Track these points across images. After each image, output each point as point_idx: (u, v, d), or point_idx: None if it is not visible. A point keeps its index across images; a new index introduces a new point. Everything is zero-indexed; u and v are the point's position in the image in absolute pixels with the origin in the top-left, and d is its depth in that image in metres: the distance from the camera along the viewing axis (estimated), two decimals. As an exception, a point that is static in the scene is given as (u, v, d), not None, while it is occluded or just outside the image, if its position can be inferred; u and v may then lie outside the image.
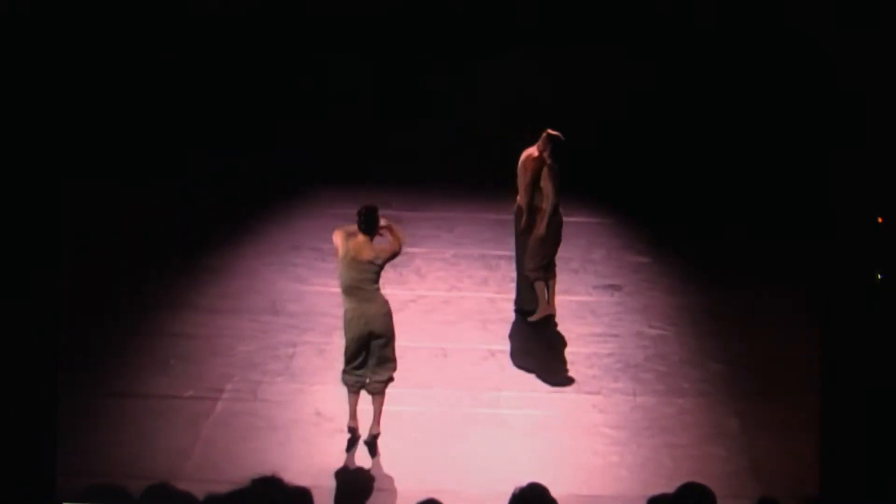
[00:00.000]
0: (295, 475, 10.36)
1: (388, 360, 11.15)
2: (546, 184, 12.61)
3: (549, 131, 12.62)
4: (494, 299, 13.26)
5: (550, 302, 13.00)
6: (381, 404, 11.19)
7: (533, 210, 12.73)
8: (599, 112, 16.64)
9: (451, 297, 13.34)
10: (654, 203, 15.23)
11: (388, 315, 11.13)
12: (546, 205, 12.64)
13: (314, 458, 11.00)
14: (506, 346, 12.63)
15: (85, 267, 13.37)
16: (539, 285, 12.83)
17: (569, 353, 12.50)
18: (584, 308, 13.27)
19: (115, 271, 13.47)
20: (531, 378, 12.14)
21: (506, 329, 12.92)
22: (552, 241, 12.78)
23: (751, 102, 16.20)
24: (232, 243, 14.30)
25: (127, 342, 12.45)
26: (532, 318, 12.90)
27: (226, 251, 14.14)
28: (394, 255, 11.15)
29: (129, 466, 10.51)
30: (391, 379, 11.20)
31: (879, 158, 9.12)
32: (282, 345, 12.48)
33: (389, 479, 10.73)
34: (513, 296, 13.19)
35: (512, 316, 13.08)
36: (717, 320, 13.10)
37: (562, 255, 14.08)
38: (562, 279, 13.67)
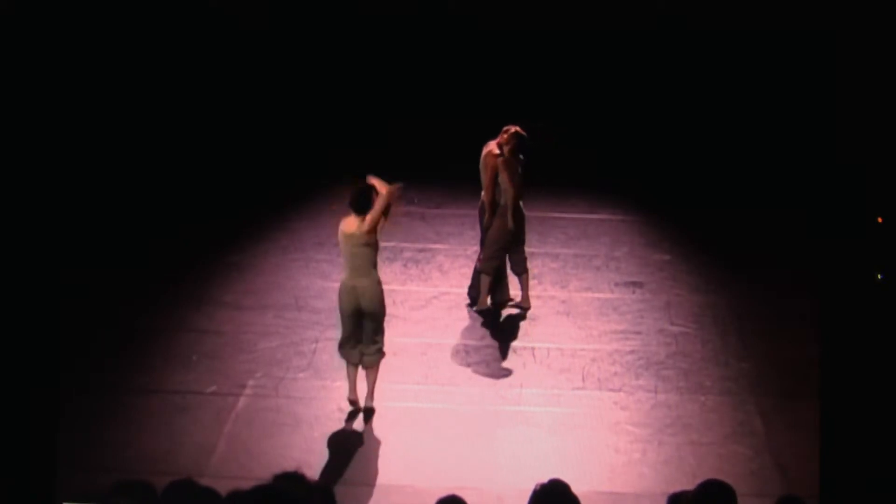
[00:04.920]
0: (318, 471, 10.48)
1: (378, 335, 11.32)
2: (503, 178, 12.69)
3: (516, 129, 12.69)
4: (517, 296, 13.25)
5: (525, 296, 13.08)
6: (375, 378, 11.43)
7: (494, 206, 12.81)
8: (624, 109, 16.69)
9: (474, 293, 13.35)
10: (678, 201, 15.24)
11: (378, 292, 11.24)
12: (507, 199, 12.73)
13: (337, 454, 11.02)
14: (528, 343, 12.64)
15: (109, 263, 13.46)
16: (484, 278, 12.94)
17: (591, 350, 12.50)
18: (606, 305, 13.27)
19: (140, 267, 13.53)
20: (554, 375, 12.14)
21: (528, 326, 12.94)
22: (510, 235, 12.80)
23: (771, 105, 16.21)
24: (256, 240, 14.37)
25: (151, 338, 12.51)
26: (475, 307, 13.03)
27: (250, 248, 14.20)
28: (383, 210, 11.16)
29: (154, 462, 10.53)
30: (381, 353, 11.37)
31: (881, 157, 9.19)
32: (305, 341, 12.52)
33: (412, 475, 10.73)
34: (531, 293, 13.24)
35: (535, 312, 13.09)
36: (740, 318, 13.09)
37: (585, 251, 14.15)
38: (584, 276, 13.72)
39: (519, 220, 12.87)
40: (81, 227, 13.40)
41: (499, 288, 13.13)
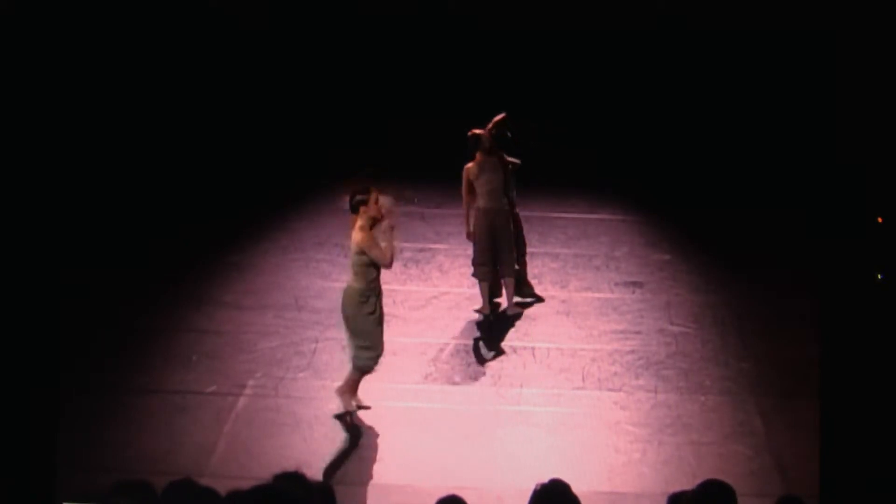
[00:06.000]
0: (317, 471, 10.48)
1: (355, 343, 11.23)
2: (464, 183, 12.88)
3: (471, 131, 12.78)
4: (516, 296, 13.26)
5: (510, 303, 13.09)
6: (345, 383, 11.29)
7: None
8: (624, 109, 16.69)
9: (474, 293, 13.32)
10: (678, 201, 15.24)
11: (351, 302, 11.12)
12: (481, 204, 12.81)
13: (337, 454, 11.02)
14: (528, 343, 12.64)
15: (109, 263, 13.46)
16: (481, 285, 12.99)
17: (591, 349, 12.50)
18: (606, 305, 13.27)
19: (140, 267, 13.53)
20: (554, 375, 12.14)
21: (528, 326, 12.94)
22: (478, 240, 12.83)
23: (771, 105, 16.21)
24: (256, 240, 14.37)
25: (151, 338, 12.51)
26: (476, 309, 13.05)
27: (250, 248, 14.21)
28: (363, 252, 11.09)
29: (154, 462, 10.54)
30: (359, 366, 11.23)
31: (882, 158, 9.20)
32: (305, 341, 12.52)
33: (412, 475, 10.73)
34: (533, 291, 13.30)
35: (534, 312, 13.10)
36: (740, 318, 13.09)
37: (585, 251, 14.15)
38: (584, 276, 13.72)
39: (493, 224, 12.82)
40: (81, 227, 13.39)
41: (497, 291, 13.13)
